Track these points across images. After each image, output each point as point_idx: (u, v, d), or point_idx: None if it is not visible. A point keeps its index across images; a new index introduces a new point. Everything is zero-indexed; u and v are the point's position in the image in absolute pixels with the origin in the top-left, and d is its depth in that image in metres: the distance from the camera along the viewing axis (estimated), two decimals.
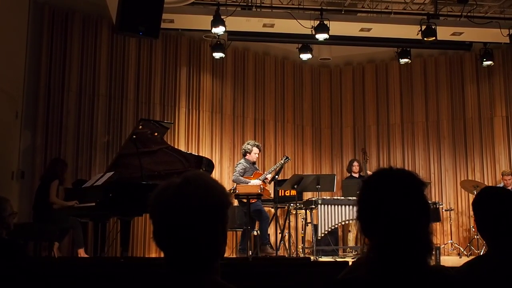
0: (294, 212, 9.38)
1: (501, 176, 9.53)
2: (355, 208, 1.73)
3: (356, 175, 10.11)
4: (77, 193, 6.79)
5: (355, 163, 10.19)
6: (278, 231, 8.54)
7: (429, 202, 1.65)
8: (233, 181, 8.19)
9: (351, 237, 10.09)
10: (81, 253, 7.15)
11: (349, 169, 10.27)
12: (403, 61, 10.06)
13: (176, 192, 1.49)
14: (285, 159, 8.31)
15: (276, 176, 8.09)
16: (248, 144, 8.47)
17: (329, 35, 8.58)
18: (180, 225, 1.47)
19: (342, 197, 8.77)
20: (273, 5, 9.15)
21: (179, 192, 1.49)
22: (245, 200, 7.61)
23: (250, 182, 8.06)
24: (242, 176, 8.16)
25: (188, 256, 1.48)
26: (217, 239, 1.52)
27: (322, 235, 8.30)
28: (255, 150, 8.37)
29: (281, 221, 8.89)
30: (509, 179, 9.21)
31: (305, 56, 9.67)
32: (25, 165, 7.85)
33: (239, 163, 8.34)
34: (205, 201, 1.49)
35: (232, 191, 7.57)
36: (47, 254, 7.16)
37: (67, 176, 7.76)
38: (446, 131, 10.71)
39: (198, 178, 1.53)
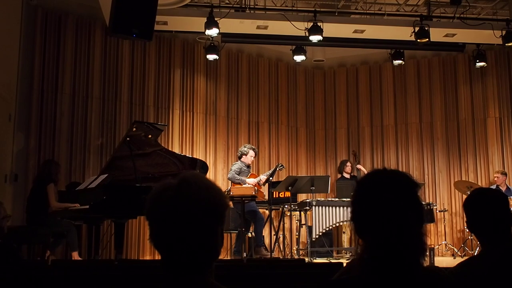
0: (288, 214, 9.40)
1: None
2: (349, 209, 1.73)
3: (348, 176, 10.13)
4: (71, 195, 6.77)
5: (348, 164, 10.20)
6: (273, 232, 8.54)
7: (423, 203, 1.65)
8: (229, 178, 8.21)
9: (346, 238, 10.11)
10: (75, 256, 7.12)
11: (341, 170, 10.28)
12: (396, 62, 10.09)
13: (176, 193, 1.48)
14: (278, 166, 8.29)
15: (270, 178, 8.10)
16: (244, 147, 8.51)
17: (323, 37, 8.59)
18: (181, 226, 1.46)
19: (336, 199, 8.78)
20: (267, 7, 9.17)
21: (179, 193, 1.48)
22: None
23: (246, 180, 8.07)
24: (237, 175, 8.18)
25: (186, 257, 1.47)
26: (216, 240, 1.52)
27: (317, 236, 8.30)
28: (251, 153, 8.40)
29: (275, 223, 8.89)
30: (498, 177, 9.40)
31: (299, 58, 9.69)
32: (19, 168, 7.82)
33: (235, 163, 8.38)
34: (206, 202, 1.48)
35: (226, 192, 7.56)
36: (40, 258, 7.14)
37: (60, 177, 7.74)
38: (439, 132, 10.74)
39: (197, 179, 1.52)
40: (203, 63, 10.04)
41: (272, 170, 8.24)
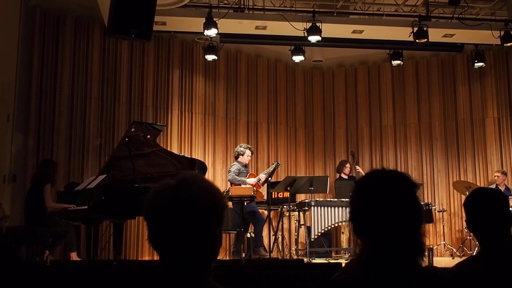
0: (287, 214, 9.38)
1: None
2: (347, 209, 1.73)
3: (346, 177, 10.11)
4: (69, 196, 6.77)
5: (348, 165, 10.18)
6: (272, 233, 8.54)
7: (422, 203, 1.65)
8: (229, 180, 8.19)
9: (344, 238, 10.11)
10: (74, 256, 7.11)
11: (340, 170, 10.25)
12: (395, 63, 10.09)
13: (175, 193, 1.47)
14: (276, 164, 8.28)
15: (269, 178, 8.09)
16: (240, 146, 8.49)
17: (322, 37, 8.58)
18: (179, 227, 1.46)
19: (335, 199, 8.78)
20: (266, 7, 9.17)
21: (178, 194, 1.47)
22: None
23: (246, 181, 8.06)
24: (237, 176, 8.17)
25: (185, 258, 1.47)
26: (215, 240, 1.52)
27: (315, 236, 8.30)
28: (248, 152, 8.39)
29: (274, 223, 8.89)
30: (498, 177, 9.42)
31: (297, 58, 9.68)
32: (17, 168, 7.81)
33: (233, 164, 8.35)
34: (205, 202, 1.48)
35: (225, 193, 7.56)
36: (39, 258, 7.13)
37: (58, 178, 7.73)
38: (438, 133, 10.75)
39: (195, 179, 1.52)
40: (201, 63, 10.03)
41: (271, 169, 8.24)
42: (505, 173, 9.60)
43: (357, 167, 9.76)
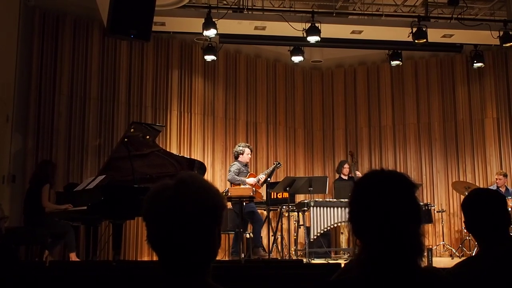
0: (286, 215, 9.38)
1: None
2: (347, 210, 1.74)
3: (345, 177, 10.11)
4: (69, 196, 6.76)
5: (346, 165, 10.16)
6: (271, 233, 8.54)
7: (421, 203, 1.65)
8: (229, 180, 8.19)
9: (344, 239, 10.11)
10: (73, 257, 7.11)
11: (339, 170, 10.25)
12: (394, 63, 10.08)
13: (174, 194, 1.48)
14: (276, 164, 8.28)
15: (268, 179, 8.09)
16: (239, 146, 8.48)
17: (321, 38, 8.57)
18: (179, 227, 1.46)
19: (334, 199, 8.78)
20: (265, 8, 9.17)
21: (177, 194, 1.47)
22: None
23: (245, 181, 8.06)
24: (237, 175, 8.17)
25: (184, 258, 1.47)
26: (213, 241, 1.52)
27: (315, 237, 8.29)
28: (247, 151, 8.39)
29: (273, 224, 8.89)
30: (499, 179, 9.38)
31: (296, 59, 9.67)
32: (16, 168, 7.81)
33: (233, 164, 8.34)
34: (204, 203, 1.48)
35: (224, 193, 7.55)
36: (38, 259, 7.13)
37: (57, 178, 7.73)
38: (437, 133, 10.75)
39: (194, 180, 1.52)
40: (201, 64, 10.03)
41: (270, 169, 8.23)
42: (506, 175, 9.58)
43: (357, 172, 9.76)
